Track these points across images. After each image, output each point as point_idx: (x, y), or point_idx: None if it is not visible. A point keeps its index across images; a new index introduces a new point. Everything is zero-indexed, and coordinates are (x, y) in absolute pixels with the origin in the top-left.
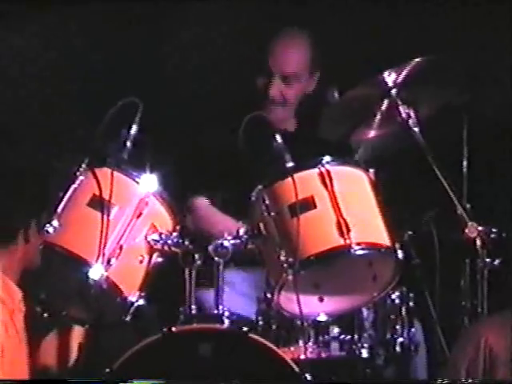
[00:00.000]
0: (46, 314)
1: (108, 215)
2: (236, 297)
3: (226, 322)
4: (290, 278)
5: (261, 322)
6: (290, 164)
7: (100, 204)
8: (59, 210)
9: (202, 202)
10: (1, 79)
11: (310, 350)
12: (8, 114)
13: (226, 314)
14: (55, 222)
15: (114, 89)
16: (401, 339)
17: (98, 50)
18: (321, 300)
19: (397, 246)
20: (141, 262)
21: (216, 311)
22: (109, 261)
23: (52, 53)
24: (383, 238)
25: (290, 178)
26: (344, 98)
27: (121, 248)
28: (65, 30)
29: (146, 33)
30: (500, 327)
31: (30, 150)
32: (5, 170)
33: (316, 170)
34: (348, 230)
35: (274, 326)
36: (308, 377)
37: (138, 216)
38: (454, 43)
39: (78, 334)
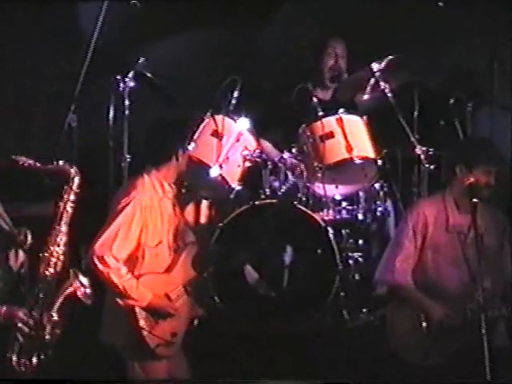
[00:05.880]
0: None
1: (221, 140)
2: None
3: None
4: (319, 175)
5: (303, 199)
6: (321, 113)
7: (217, 134)
8: (194, 137)
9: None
10: None
11: (331, 214)
12: None
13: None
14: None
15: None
16: (380, 208)
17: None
18: (336, 187)
19: (378, 158)
20: (239, 166)
21: (279, 193)
22: (221, 165)
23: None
24: (370, 154)
25: (319, 121)
26: (352, 76)
27: (227, 158)
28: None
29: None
30: (431, 203)
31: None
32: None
33: (335, 116)
34: (351, 149)
35: (311, 202)
36: (329, 229)
37: (237, 141)
38: (411, 44)
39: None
